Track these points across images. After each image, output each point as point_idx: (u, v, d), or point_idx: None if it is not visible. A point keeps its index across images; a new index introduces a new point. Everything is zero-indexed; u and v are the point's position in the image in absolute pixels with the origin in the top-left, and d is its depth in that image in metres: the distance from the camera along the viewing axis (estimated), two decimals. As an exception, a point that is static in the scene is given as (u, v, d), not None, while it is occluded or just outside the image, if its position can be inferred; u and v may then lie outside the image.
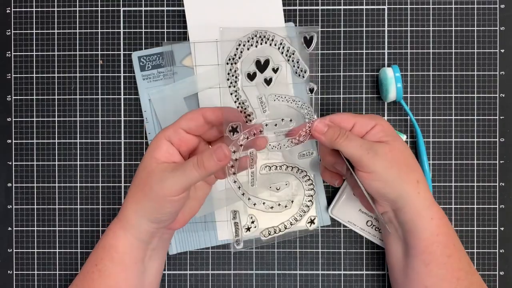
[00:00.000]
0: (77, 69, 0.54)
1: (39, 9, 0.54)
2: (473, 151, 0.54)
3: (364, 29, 0.54)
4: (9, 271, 0.54)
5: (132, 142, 0.54)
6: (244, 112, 0.42)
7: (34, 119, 0.54)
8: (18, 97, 0.54)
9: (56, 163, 0.54)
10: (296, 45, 0.43)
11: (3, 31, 0.54)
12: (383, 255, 0.54)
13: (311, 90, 0.44)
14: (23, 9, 0.54)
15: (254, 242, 0.47)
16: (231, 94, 0.42)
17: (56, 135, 0.54)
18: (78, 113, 0.54)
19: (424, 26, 0.54)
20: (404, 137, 0.53)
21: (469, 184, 0.54)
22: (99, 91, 0.54)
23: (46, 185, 0.54)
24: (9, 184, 0.54)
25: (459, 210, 0.54)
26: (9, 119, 0.54)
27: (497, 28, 0.54)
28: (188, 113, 0.43)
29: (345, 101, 0.54)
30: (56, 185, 0.54)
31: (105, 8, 0.54)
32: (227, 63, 0.42)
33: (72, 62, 0.54)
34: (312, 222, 0.47)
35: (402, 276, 0.46)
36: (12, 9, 0.54)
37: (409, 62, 0.54)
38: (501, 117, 0.54)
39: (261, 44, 0.42)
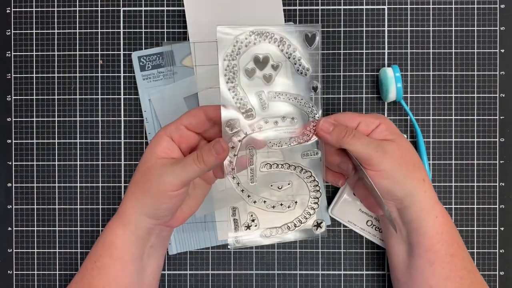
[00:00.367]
0: (77, 69, 0.54)
1: (39, 9, 0.54)
2: (473, 151, 0.54)
3: (364, 29, 0.54)
4: (9, 271, 0.54)
5: (132, 142, 0.54)
6: (243, 109, 0.42)
7: (34, 119, 0.54)
8: (18, 97, 0.54)
9: (56, 163, 0.54)
10: (297, 43, 0.43)
11: (3, 31, 0.54)
12: (384, 255, 0.54)
13: (315, 89, 0.44)
14: (23, 9, 0.54)
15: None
16: (229, 90, 0.42)
17: (56, 135, 0.54)
18: (78, 113, 0.54)
19: (424, 26, 0.54)
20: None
21: (469, 184, 0.54)
22: (99, 91, 0.54)
23: (46, 185, 0.54)
24: (9, 184, 0.54)
25: (459, 210, 0.54)
26: (9, 119, 0.54)
27: (497, 28, 0.54)
28: (190, 110, 0.44)
29: (345, 101, 0.54)
30: (56, 185, 0.54)
31: (105, 8, 0.54)
32: (224, 60, 0.42)
33: (72, 62, 0.54)
34: (318, 226, 0.45)
35: (405, 276, 0.46)
36: (12, 9, 0.54)
37: (409, 62, 0.54)
38: (501, 117, 0.54)
39: (259, 41, 0.42)
